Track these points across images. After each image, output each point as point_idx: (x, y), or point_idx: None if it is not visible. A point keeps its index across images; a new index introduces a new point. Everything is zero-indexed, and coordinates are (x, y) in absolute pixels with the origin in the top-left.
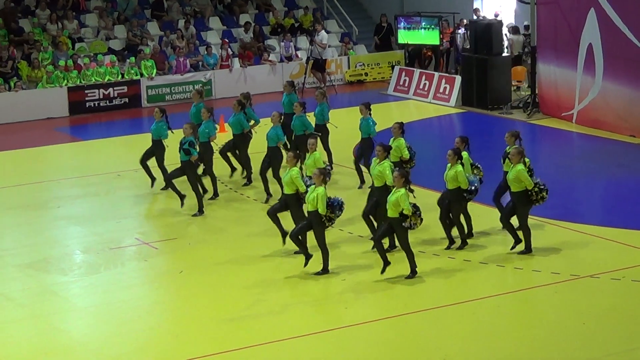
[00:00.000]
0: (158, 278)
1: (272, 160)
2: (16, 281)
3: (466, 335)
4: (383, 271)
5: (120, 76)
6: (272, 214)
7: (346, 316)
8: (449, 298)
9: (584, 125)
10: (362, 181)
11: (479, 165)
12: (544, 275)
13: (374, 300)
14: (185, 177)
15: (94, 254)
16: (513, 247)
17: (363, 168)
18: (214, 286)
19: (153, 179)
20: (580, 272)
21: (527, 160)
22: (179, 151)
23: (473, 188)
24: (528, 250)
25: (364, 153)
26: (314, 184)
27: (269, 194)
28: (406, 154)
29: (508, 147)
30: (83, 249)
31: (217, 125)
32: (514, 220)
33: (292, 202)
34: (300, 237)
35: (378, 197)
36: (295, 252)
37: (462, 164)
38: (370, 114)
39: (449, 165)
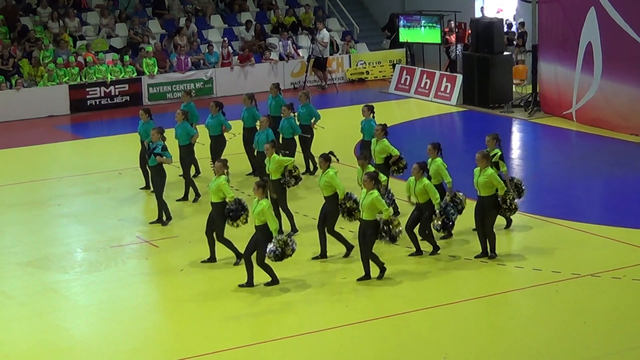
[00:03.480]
0: (159, 276)
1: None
2: (16, 279)
3: (467, 334)
4: (380, 277)
5: (123, 74)
6: (209, 234)
7: (347, 314)
8: (450, 296)
9: (584, 124)
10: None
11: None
12: (545, 273)
13: (375, 298)
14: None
15: (95, 252)
16: (478, 256)
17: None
18: (214, 284)
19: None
20: (581, 270)
21: (498, 150)
22: (147, 157)
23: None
24: (493, 254)
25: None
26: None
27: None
28: (395, 152)
29: (488, 149)
30: (84, 247)
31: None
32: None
33: (218, 210)
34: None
35: (327, 207)
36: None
37: (429, 177)
38: (373, 116)
39: (412, 178)
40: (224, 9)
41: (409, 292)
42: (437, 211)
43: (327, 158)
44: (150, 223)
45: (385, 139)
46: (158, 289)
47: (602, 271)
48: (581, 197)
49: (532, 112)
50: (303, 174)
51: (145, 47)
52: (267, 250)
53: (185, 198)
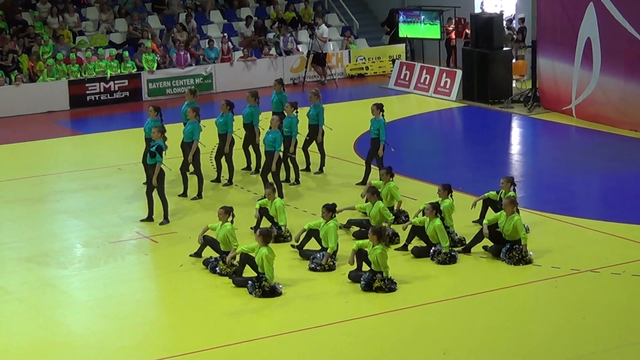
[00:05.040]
0: (158, 272)
1: (268, 163)
2: (16, 275)
3: (466, 330)
4: None
5: (122, 69)
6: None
7: (346, 311)
8: (449, 292)
9: (584, 120)
10: (365, 181)
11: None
12: (545, 269)
13: (374, 294)
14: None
15: (94, 247)
16: (460, 251)
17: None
18: (213, 280)
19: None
20: (580, 266)
21: (512, 193)
22: (146, 155)
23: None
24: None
25: (372, 153)
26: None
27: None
28: (398, 197)
29: (502, 190)
30: (83, 243)
31: (202, 126)
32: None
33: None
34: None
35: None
36: (294, 246)
37: (442, 218)
38: (382, 115)
39: (427, 219)
40: (223, 5)
41: (408, 288)
42: (444, 252)
43: (330, 208)
44: (141, 220)
45: (391, 181)
46: (157, 285)
47: (601, 267)
48: (581, 192)
49: (532, 107)
50: (303, 170)
51: (145, 43)
52: (248, 285)
53: (199, 196)
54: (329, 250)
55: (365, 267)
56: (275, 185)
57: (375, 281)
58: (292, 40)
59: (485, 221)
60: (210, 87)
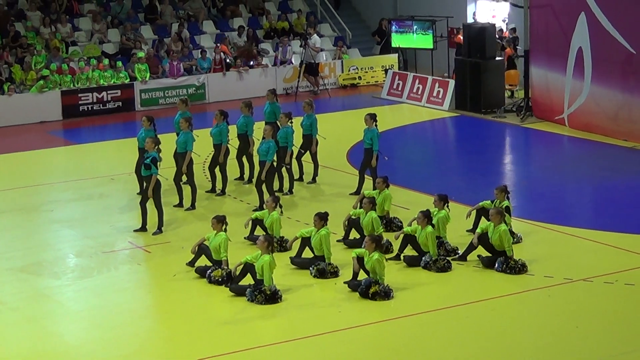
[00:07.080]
0: (151, 281)
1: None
2: (9, 285)
3: (460, 339)
4: None
5: (115, 79)
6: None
7: (339, 320)
8: (444, 301)
9: (577, 129)
10: (359, 191)
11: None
12: (538, 278)
13: (367, 304)
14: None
15: (87, 257)
16: (455, 259)
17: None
18: (207, 289)
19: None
20: (573, 275)
21: (507, 202)
22: (139, 165)
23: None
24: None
25: (365, 163)
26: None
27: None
28: (388, 206)
29: (497, 200)
30: (76, 253)
31: (196, 136)
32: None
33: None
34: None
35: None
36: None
37: (433, 225)
38: (375, 125)
39: (419, 227)
40: (216, 15)
41: (401, 298)
42: (434, 258)
43: (322, 217)
44: (135, 231)
45: (386, 190)
46: (151, 295)
47: (594, 276)
48: (573, 202)
49: (524, 117)
50: (296, 180)
51: (137, 53)
52: (247, 293)
53: (192, 206)
54: (326, 260)
55: (361, 276)
56: (269, 195)
57: (372, 286)
58: (290, 51)
59: (478, 229)
60: (203, 97)
